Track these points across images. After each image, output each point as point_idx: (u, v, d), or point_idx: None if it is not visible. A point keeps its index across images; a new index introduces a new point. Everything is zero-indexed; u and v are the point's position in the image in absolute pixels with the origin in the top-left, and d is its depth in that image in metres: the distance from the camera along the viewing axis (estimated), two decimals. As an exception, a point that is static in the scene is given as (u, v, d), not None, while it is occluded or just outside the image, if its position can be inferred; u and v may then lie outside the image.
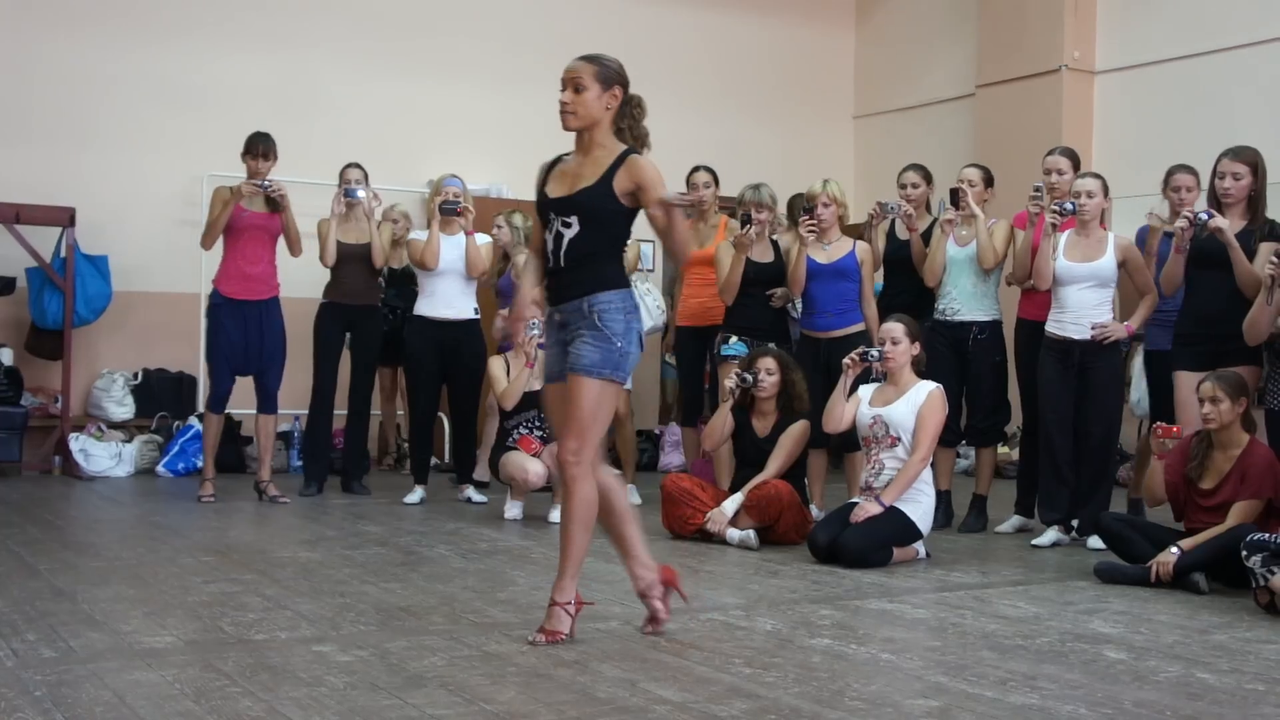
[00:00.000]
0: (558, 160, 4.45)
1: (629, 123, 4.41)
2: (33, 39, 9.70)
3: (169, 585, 5.24)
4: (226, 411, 7.99)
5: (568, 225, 4.27)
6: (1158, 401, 7.03)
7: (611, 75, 4.33)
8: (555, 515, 7.12)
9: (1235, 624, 4.91)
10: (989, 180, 7.53)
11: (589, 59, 4.33)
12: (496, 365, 7.62)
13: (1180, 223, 6.35)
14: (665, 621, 4.49)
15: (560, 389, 4.32)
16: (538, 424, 7.46)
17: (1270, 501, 5.71)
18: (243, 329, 7.87)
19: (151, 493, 8.38)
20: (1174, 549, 5.59)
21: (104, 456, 9.20)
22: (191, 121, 9.95)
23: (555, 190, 4.35)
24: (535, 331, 7.34)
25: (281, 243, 8.03)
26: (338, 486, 8.49)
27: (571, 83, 4.30)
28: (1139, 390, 7.88)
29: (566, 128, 4.35)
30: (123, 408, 9.69)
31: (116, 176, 9.72)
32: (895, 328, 6.43)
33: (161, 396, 9.80)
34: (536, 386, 7.42)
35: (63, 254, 9.30)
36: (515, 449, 7.42)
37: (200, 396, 9.74)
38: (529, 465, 7.30)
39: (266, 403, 8.03)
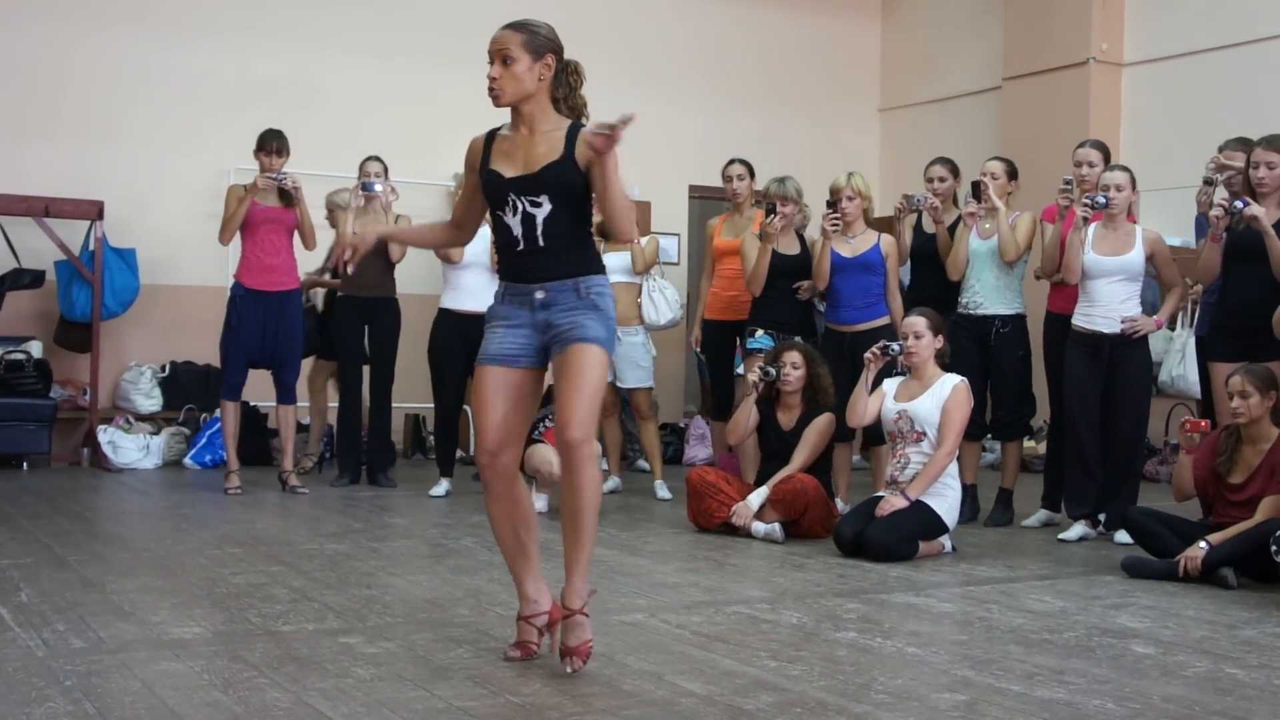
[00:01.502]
0: (491, 137, 4.11)
1: (564, 92, 4.06)
2: (61, 37, 9.76)
3: (196, 577, 5.27)
4: (253, 404, 8.03)
5: (537, 205, 3.96)
6: (1206, 388, 6.97)
7: (542, 43, 3.97)
8: (541, 504, 7.07)
9: (1265, 619, 4.89)
10: (1012, 173, 7.50)
11: (515, 26, 3.99)
12: None
13: (1215, 210, 6.32)
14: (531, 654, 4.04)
15: (504, 374, 3.99)
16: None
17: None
18: (261, 320, 7.93)
19: (179, 485, 8.42)
20: (1202, 543, 5.56)
21: (132, 448, 9.25)
22: (217, 116, 10.00)
23: (509, 170, 4.00)
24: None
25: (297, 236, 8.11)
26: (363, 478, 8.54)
27: (499, 55, 3.95)
28: (1168, 369, 7.81)
29: (497, 104, 4.01)
30: (150, 400, 9.75)
31: (144, 171, 9.78)
32: (918, 321, 6.41)
33: (189, 389, 9.84)
34: None
35: (91, 247, 9.35)
36: (541, 441, 7.42)
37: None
38: (554, 458, 7.28)
39: (285, 394, 8.11)
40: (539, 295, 3.98)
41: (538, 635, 4.05)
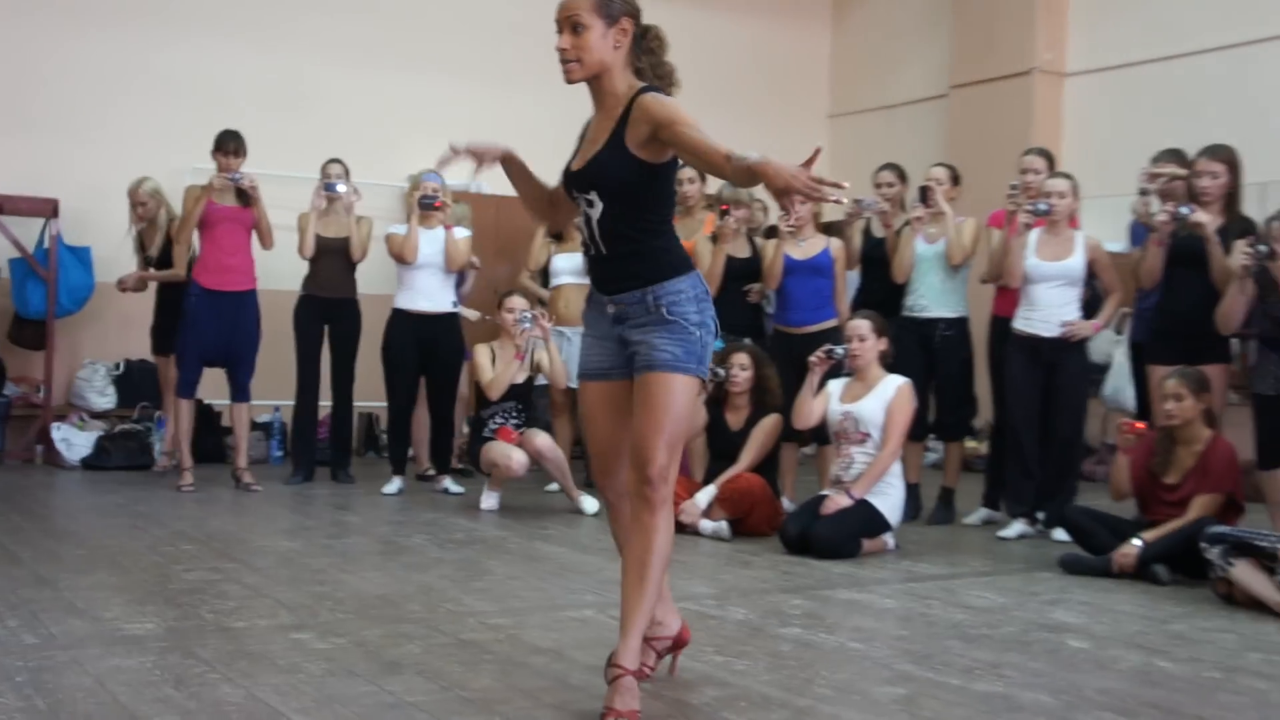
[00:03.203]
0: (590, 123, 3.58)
1: (649, 59, 3.49)
2: (17, 32, 9.65)
3: (149, 573, 5.24)
4: (208, 402, 7.99)
5: (590, 204, 3.44)
6: (1141, 392, 7.06)
7: (616, 6, 3.38)
8: (589, 505, 7.24)
9: (1195, 614, 4.97)
10: (956, 179, 7.57)
11: None
12: (483, 354, 7.61)
13: (1161, 216, 6.41)
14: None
15: (601, 388, 3.55)
16: (514, 414, 7.49)
17: (1230, 496, 5.76)
18: (217, 320, 7.90)
19: (132, 481, 8.35)
20: (1136, 541, 5.64)
21: (85, 445, 9.16)
22: (175, 115, 9.92)
23: (576, 162, 3.51)
24: (527, 325, 7.37)
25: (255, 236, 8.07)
26: (323, 475, 8.52)
27: (568, 23, 3.37)
28: (1113, 384, 7.91)
29: (570, 80, 3.42)
30: (104, 397, 9.67)
31: (100, 168, 9.67)
32: (861, 325, 6.46)
33: (143, 386, 9.75)
34: (521, 379, 7.47)
35: (46, 245, 9.24)
36: (494, 439, 7.43)
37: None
38: (513, 454, 7.30)
39: (239, 393, 8.08)
40: (610, 309, 3.48)
41: (655, 658, 3.68)
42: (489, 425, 7.53)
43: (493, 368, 7.53)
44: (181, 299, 8.16)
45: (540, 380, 7.82)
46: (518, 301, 7.59)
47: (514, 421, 7.48)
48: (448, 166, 3.65)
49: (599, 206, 3.42)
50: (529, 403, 7.67)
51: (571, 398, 8.47)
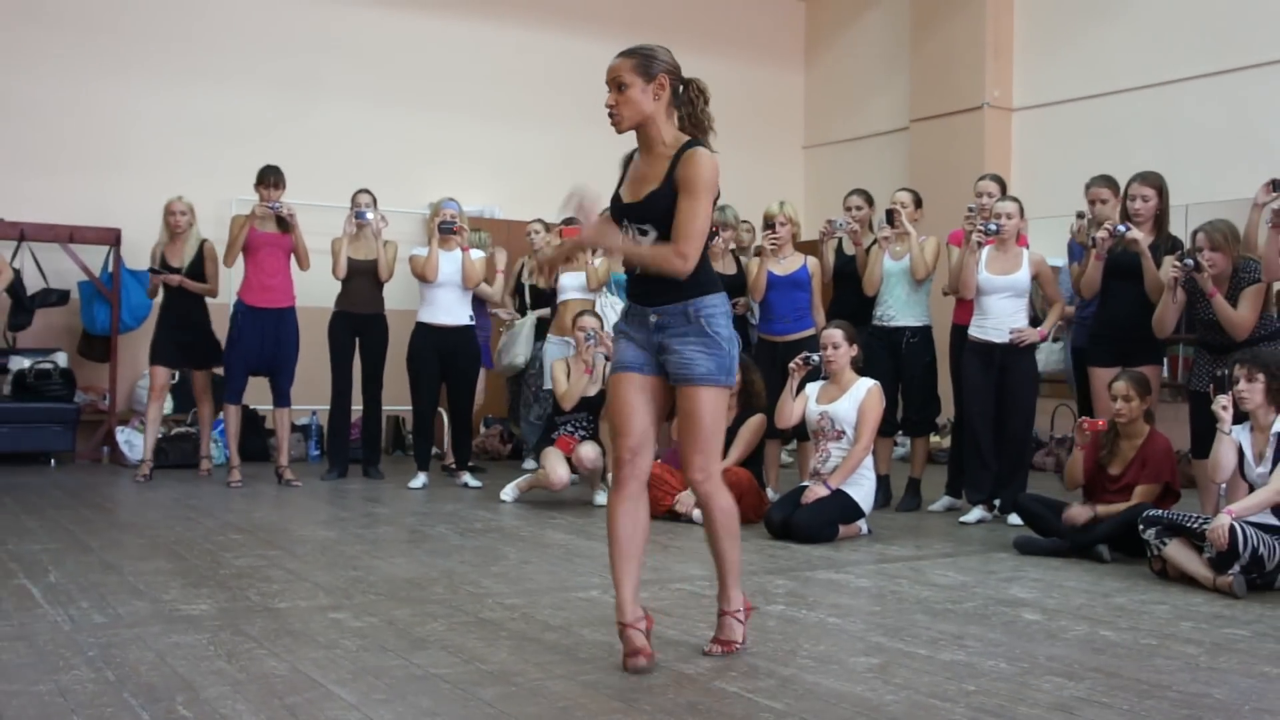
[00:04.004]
0: (633, 155, 3.76)
1: (687, 110, 3.67)
2: (82, 82, 9.70)
3: (203, 560, 5.22)
4: (253, 408, 7.97)
5: (644, 232, 3.61)
6: (1083, 391, 7.04)
7: (654, 65, 3.59)
8: (601, 499, 7.15)
9: (1133, 588, 4.96)
10: (918, 201, 7.57)
11: (627, 53, 3.60)
12: (559, 369, 7.48)
13: (1101, 233, 6.41)
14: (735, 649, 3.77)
15: (634, 380, 3.66)
16: (584, 425, 7.37)
17: (1168, 484, 5.76)
18: (260, 333, 7.92)
19: (187, 479, 8.34)
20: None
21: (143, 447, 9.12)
22: (220, 152, 9.93)
23: (628, 194, 3.68)
24: (592, 340, 7.30)
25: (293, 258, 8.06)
26: (356, 472, 8.50)
27: (614, 83, 3.58)
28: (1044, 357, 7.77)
29: (618, 130, 3.62)
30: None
31: (156, 201, 9.59)
32: (835, 334, 6.45)
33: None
34: (592, 393, 7.33)
35: (110, 269, 9.29)
36: (554, 444, 7.33)
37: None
38: (560, 469, 7.13)
39: (281, 399, 8.08)
40: (653, 319, 3.63)
41: (648, 639, 3.66)
42: (559, 429, 7.45)
43: (566, 380, 7.46)
44: (193, 315, 8.15)
45: None
46: (589, 321, 7.42)
47: (582, 432, 7.35)
48: (570, 207, 3.69)
49: (652, 234, 3.61)
50: (594, 408, 7.59)
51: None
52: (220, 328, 8.28)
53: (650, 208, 3.59)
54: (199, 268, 8.24)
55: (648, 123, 3.62)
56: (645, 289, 3.66)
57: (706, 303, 3.60)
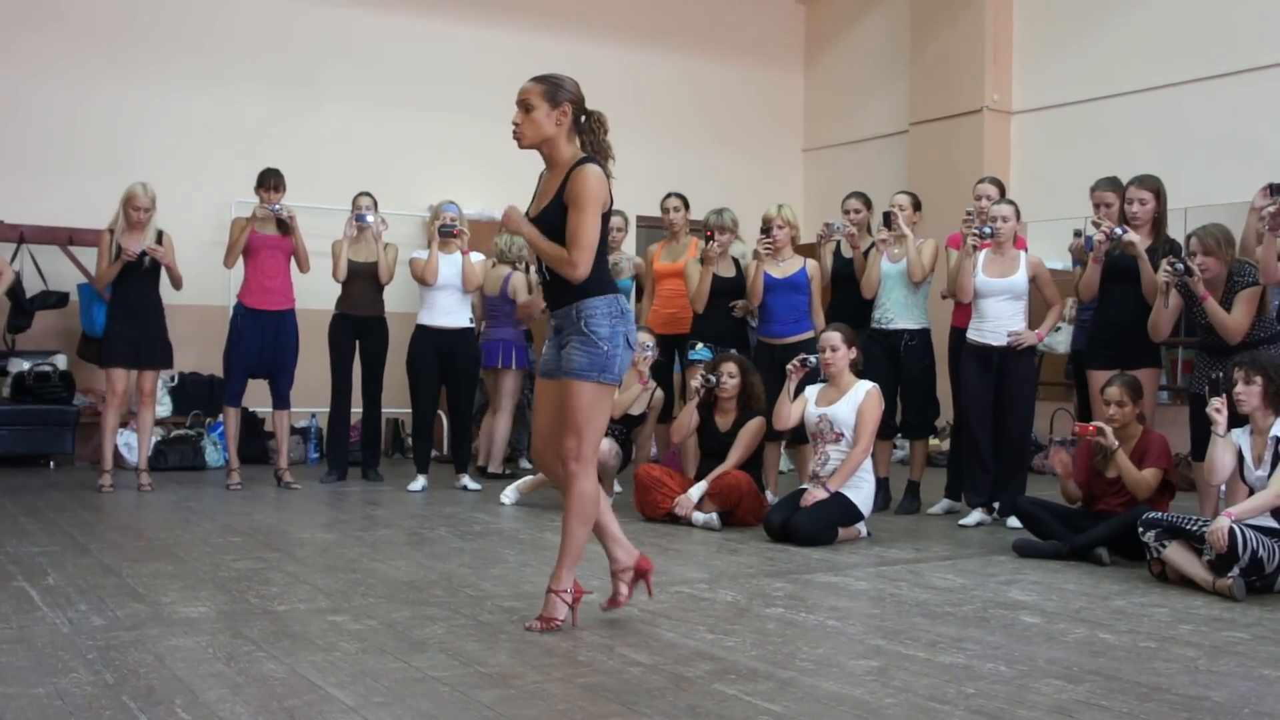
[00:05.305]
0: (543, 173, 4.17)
1: (589, 138, 4.05)
2: (82, 85, 9.70)
3: (202, 562, 5.22)
4: (252, 410, 7.95)
5: None
6: (1082, 394, 7.04)
7: (560, 93, 3.98)
8: (507, 496, 7.30)
9: (1132, 591, 4.96)
10: (917, 205, 7.57)
11: (539, 79, 4.02)
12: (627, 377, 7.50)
13: (1099, 236, 6.42)
14: (622, 605, 4.26)
15: (550, 385, 4.09)
16: (612, 433, 7.36)
17: (1165, 479, 5.75)
18: (259, 335, 7.91)
19: (186, 481, 8.33)
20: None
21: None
22: (220, 155, 9.95)
23: (532, 209, 4.09)
24: (650, 353, 7.32)
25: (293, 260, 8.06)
26: (355, 474, 8.50)
27: (522, 104, 3.99)
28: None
29: (520, 146, 4.04)
30: (161, 406, 9.61)
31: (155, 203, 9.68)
32: (833, 336, 6.45)
33: (195, 396, 9.75)
34: (636, 412, 7.41)
35: (107, 272, 9.24)
36: None
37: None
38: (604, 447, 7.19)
39: (280, 401, 8.08)
40: (553, 322, 4.09)
41: (628, 589, 4.23)
42: None
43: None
44: (146, 308, 7.71)
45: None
46: (645, 337, 7.43)
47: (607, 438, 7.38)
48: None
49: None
50: (631, 425, 7.57)
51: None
52: (220, 330, 8.28)
53: (544, 221, 3.98)
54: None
55: (549, 144, 4.00)
56: (548, 294, 4.07)
57: (589, 305, 3.96)
